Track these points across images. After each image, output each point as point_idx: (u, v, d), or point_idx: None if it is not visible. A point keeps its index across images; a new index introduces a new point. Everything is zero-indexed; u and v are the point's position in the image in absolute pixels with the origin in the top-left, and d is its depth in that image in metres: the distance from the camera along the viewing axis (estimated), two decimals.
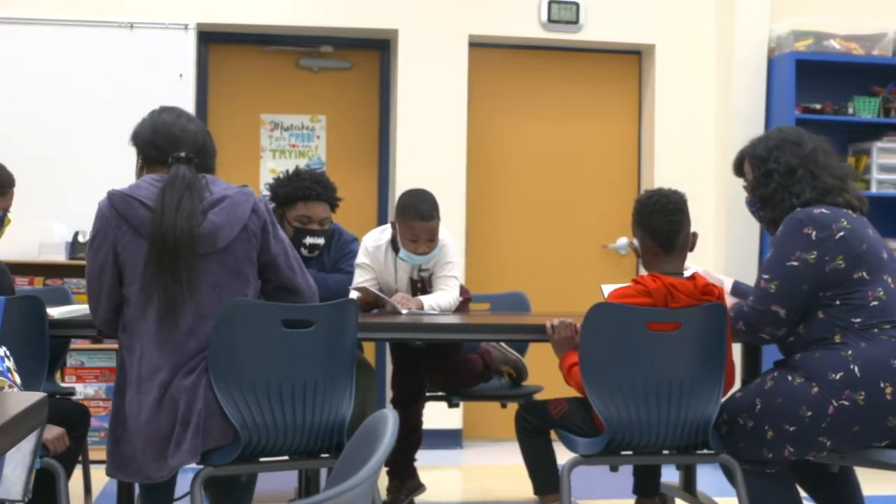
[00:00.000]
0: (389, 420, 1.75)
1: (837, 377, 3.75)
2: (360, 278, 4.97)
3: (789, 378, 3.85)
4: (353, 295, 4.78)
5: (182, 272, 3.57)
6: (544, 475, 4.27)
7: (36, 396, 1.94)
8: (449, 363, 5.09)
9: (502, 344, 5.26)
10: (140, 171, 3.88)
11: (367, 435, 1.79)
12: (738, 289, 4.33)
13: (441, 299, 4.91)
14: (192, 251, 3.57)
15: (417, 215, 4.86)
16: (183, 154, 3.71)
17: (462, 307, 5.13)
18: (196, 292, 3.60)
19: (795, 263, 3.85)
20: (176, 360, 3.58)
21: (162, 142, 3.79)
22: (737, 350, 4.17)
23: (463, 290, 5.17)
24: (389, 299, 4.71)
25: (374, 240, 5.06)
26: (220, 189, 3.73)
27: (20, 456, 2.91)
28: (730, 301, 4.09)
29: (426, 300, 4.87)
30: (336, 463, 1.92)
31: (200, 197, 3.64)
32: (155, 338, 3.59)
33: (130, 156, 3.90)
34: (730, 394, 4.10)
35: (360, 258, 5.02)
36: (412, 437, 5.16)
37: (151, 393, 3.56)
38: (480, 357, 5.19)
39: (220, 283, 3.64)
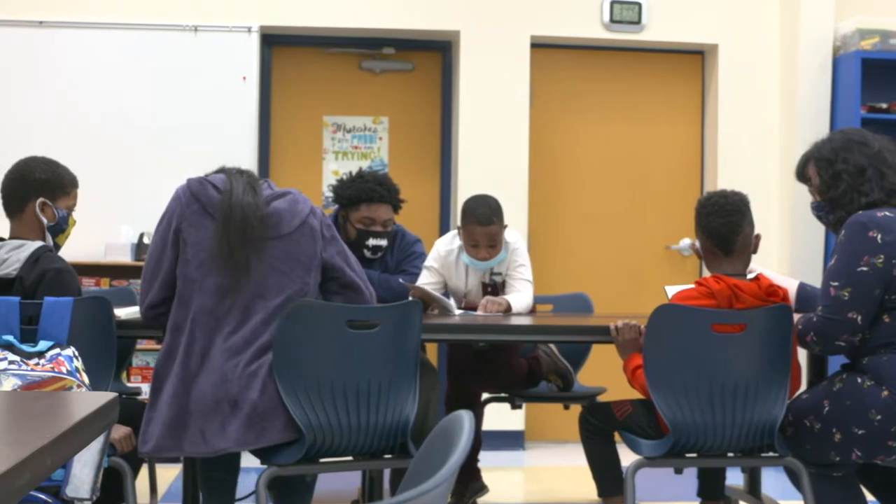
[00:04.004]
0: (465, 421, 1.75)
1: None
2: (424, 280, 4.97)
3: (858, 380, 3.80)
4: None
5: (248, 248, 3.69)
6: (608, 477, 4.26)
7: (107, 397, 1.97)
8: (499, 365, 5.06)
9: (555, 351, 5.23)
10: None
11: (443, 436, 1.79)
12: (803, 291, 4.28)
13: (516, 301, 4.87)
14: (258, 229, 3.70)
15: (476, 220, 4.85)
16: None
17: None
18: (258, 272, 3.71)
19: (865, 269, 3.78)
20: (228, 336, 3.66)
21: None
22: (802, 352, 4.12)
23: None
24: (444, 299, 4.69)
25: (447, 244, 5.06)
26: (279, 189, 3.92)
27: (89, 455, 2.96)
28: (794, 316, 4.03)
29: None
30: (410, 464, 1.92)
31: (261, 190, 3.84)
32: (211, 313, 3.68)
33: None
34: (795, 396, 4.07)
35: (430, 261, 5.04)
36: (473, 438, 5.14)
37: (200, 367, 3.64)
38: (527, 362, 5.16)
39: (282, 267, 3.74)
